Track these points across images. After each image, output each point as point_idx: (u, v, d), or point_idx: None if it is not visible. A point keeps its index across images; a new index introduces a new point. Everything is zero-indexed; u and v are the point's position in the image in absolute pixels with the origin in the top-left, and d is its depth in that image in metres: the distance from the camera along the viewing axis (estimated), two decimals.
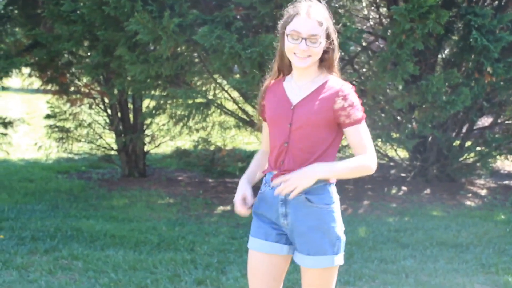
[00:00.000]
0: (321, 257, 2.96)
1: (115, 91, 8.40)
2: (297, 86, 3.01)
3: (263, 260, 3.05)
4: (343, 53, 7.30)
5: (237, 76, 7.96)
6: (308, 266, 2.99)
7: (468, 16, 7.26)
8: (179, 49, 7.58)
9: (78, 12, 7.84)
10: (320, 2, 2.99)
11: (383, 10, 9.02)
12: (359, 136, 2.94)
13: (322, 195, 2.96)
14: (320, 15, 2.92)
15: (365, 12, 9.56)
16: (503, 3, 8.33)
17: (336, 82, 2.98)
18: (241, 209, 3.05)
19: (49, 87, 9.51)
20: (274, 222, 3.05)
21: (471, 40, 7.14)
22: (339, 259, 3.01)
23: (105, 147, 9.70)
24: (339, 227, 3.00)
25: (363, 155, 2.94)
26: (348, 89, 2.96)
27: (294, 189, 2.86)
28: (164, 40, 7.02)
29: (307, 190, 2.92)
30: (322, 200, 2.95)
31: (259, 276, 3.06)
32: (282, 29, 2.97)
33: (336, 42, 2.98)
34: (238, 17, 7.53)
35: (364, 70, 8.83)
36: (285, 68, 3.07)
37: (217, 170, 8.89)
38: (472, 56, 7.40)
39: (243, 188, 3.08)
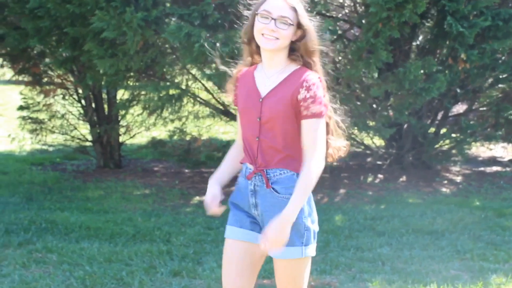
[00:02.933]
0: (289, 248, 2.89)
1: (89, 82, 8.29)
2: (267, 76, 2.95)
3: (237, 247, 3.02)
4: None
5: (214, 65, 7.90)
6: (276, 257, 2.97)
7: (443, 1, 7.24)
8: (149, 41, 7.49)
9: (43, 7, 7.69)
10: None
11: None
12: (312, 133, 2.85)
13: (288, 186, 2.89)
14: (293, 0, 2.88)
15: (340, 0, 9.53)
16: None
17: (304, 71, 2.89)
18: (214, 209, 3.00)
19: (21, 77, 9.38)
20: (248, 212, 3.03)
21: (445, 26, 7.14)
22: (310, 251, 2.95)
23: (79, 138, 9.61)
24: (308, 218, 2.92)
25: (310, 162, 2.82)
26: (314, 80, 2.86)
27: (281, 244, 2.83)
28: (129, 35, 6.94)
29: (274, 180, 2.90)
30: (288, 191, 2.88)
31: (233, 264, 3.02)
32: (254, 11, 2.90)
33: (312, 32, 2.91)
34: (215, 10, 7.43)
35: (340, 58, 8.80)
36: (254, 55, 3.00)
37: (193, 160, 8.84)
38: (447, 42, 7.40)
39: (212, 189, 3.03)
